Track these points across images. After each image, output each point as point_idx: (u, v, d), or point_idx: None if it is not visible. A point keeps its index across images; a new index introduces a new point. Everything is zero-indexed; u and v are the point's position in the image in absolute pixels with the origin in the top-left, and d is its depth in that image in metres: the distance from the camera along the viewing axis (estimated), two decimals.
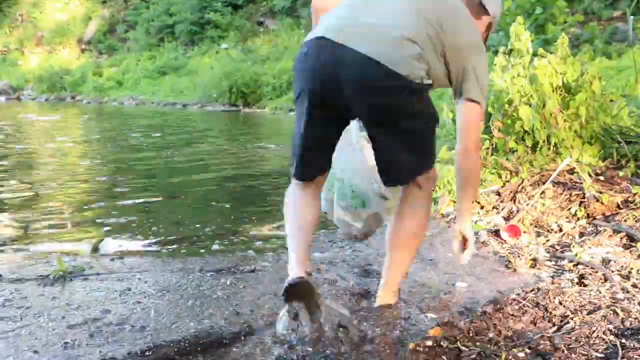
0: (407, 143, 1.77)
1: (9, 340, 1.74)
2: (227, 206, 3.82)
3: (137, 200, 4.10)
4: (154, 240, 3.02)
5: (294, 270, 1.77)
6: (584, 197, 2.96)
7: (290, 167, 1.92)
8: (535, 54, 3.85)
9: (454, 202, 3.44)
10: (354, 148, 2.05)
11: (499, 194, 3.34)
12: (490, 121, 3.80)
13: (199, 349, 1.69)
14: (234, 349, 1.69)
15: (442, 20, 1.70)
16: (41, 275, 2.33)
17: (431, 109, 1.80)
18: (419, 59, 1.66)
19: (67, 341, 1.72)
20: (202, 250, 2.81)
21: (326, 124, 1.81)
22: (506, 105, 3.75)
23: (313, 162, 1.88)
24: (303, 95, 1.76)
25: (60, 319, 1.89)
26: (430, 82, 1.72)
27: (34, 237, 3.15)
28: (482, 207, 3.30)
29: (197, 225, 3.32)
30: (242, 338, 1.75)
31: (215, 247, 2.88)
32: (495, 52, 4.26)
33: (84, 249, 2.83)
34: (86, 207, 3.93)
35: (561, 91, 3.58)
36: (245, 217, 3.49)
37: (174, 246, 2.91)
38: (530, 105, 3.57)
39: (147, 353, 1.65)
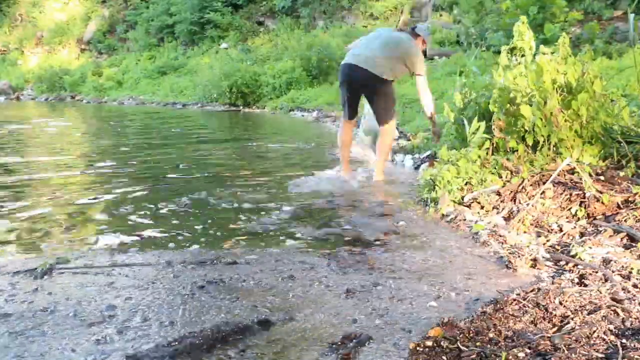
0: (382, 104, 4.39)
1: (36, 339, 1.78)
2: (220, 204, 3.82)
3: (128, 195, 4.12)
4: (138, 234, 3.04)
5: (344, 168, 4.66)
6: (584, 197, 2.95)
7: (342, 114, 4.60)
8: (536, 53, 3.84)
9: (454, 202, 3.44)
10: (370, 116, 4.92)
11: (499, 193, 3.34)
12: (492, 120, 3.79)
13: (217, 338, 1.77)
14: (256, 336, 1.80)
15: (402, 50, 4.30)
16: (29, 269, 2.38)
17: (392, 91, 4.40)
18: (384, 67, 4.23)
19: (99, 338, 1.77)
20: (185, 244, 2.84)
21: (353, 94, 4.42)
22: (508, 104, 3.74)
23: (350, 111, 4.48)
24: (342, 84, 4.45)
25: (72, 315, 1.94)
26: (391, 78, 4.31)
27: (22, 229, 3.17)
28: (482, 207, 3.30)
29: (184, 220, 3.35)
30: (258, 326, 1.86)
31: (199, 240, 2.92)
32: (498, 52, 4.25)
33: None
34: (78, 200, 3.95)
35: (562, 91, 3.57)
36: (231, 214, 3.52)
37: (157, 240, 2.93)
38: (531, 104, 3.56)
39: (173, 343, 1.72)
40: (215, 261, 2.52)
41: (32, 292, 2.15)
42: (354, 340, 1.72)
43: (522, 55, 3.89)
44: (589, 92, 3.46)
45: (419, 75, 4.35)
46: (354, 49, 4.44)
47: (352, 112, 4.51)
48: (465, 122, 3.99)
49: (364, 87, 4.32)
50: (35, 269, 2.37)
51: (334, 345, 1.71)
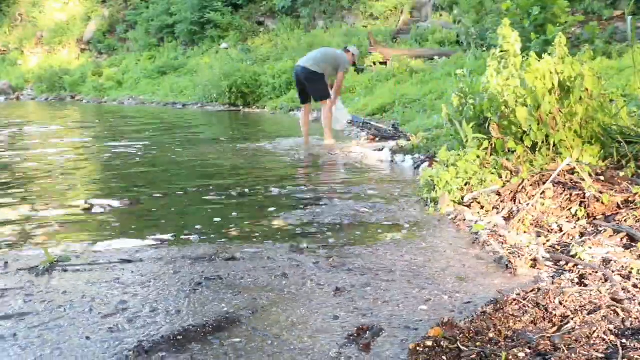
0: (316, 90, 7.03)
1: (54, 330, 1.86)
2: (219, 202, 3.83)
3: (128, 193, 4.13)
4: (138, 232, 3.07)
5: (304, 140, 7.21)
6: (584, 197, 2.96)
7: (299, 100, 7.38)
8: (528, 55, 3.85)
9: (454, 202, 3.44)
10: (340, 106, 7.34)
11: (499, 194, 3.34)
12: (488, 123, 3.79)
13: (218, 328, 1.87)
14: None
15: (335, 57, 7.10)
16: (32, 267, 2.43)
17: (324, 81, 7.02)
18: (319, 66, 6.92)
19: (111, 326, 1.87)
20: (183, 240, 2.87)
21: (301, 87, 7.19)
22: (503, 107, 3.74)
23: (303, 97, 7.26)
24: (295, 79, 7.33)
25: (88, 311, 2.00)
26: (323, 74, 6.97)
27: (24, 227, 3.19)
28: (482, 207, 3.30)
29: (182, 219, 3.36)
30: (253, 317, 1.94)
31: (198, 237, 2.94)
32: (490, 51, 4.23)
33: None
34: (77, 197, 3.97)
35: (558, 91, 3.57)
36: (231, 212, 3.53)
37: (156, 237, 2.95)
38: (526, 107, 3.56)
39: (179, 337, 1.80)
40: (213, 257, 2.57)
41: (46, 293, 2.20)
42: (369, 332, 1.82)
43: (510, 57, 3.90)
44: (579, 90, 3.45)
45: (340, 71, 7.04)
46: (302, 58, 7.11)
47: (305, 98, 7.15)
48: (457, 124, 3.97)
49: (304, 78, 6.87)
50: (37, 266, 2.42)
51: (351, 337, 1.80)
